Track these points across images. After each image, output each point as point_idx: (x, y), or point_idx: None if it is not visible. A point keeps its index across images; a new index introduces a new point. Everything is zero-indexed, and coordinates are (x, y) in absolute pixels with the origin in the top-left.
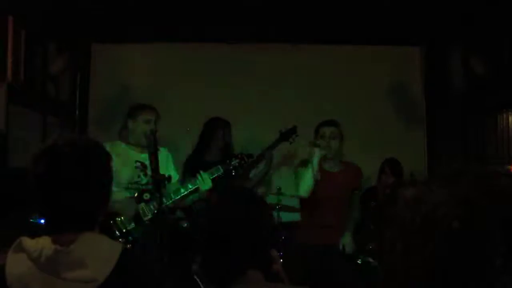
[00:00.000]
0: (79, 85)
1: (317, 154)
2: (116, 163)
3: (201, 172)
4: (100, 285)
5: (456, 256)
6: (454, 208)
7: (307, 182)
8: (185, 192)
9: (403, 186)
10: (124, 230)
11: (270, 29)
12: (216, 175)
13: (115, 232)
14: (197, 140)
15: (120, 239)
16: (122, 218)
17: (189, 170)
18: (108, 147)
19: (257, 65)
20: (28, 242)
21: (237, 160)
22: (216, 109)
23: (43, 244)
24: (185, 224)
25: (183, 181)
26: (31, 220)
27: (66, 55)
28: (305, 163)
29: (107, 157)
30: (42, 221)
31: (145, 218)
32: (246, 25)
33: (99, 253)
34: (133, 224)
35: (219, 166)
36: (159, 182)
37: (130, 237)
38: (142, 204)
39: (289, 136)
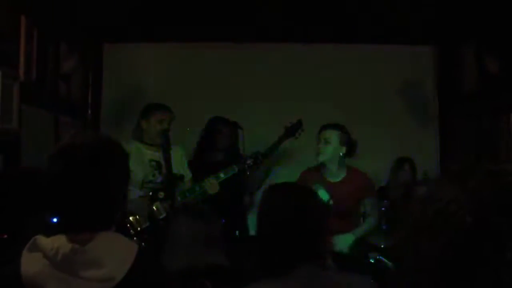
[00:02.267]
0: (91, 85)
1: (324, 197)
2: (130, 162)
3: (210, 177)
4: (117, 284)
5: (468, 251)
6: (466, 204)
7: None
8: (191, 196)
9: (418, 185)
10: (139, 229)
11: (282, 28)
12: (230, 174)
13: (130, 231)
14: (199, 139)
15: (134, 238)
16: (137, 217)
17: (193, 171)
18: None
19: (269, 65)
20: (43, 241)
21: (252, 159)
22: (227, 109)
23: (59, 243)
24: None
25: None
26: (43, 219)
27: (78, 54)
28: (311, 172)
29: (125, 155)
30: (54, 220)
31: (160, 217)
32: (257, 24)
33: (116, 252)
34: (148, 223)
35: (234, 166)
36: (172, 181)
37: (145, 236)
38: (157, 203)
39: (295, 131)
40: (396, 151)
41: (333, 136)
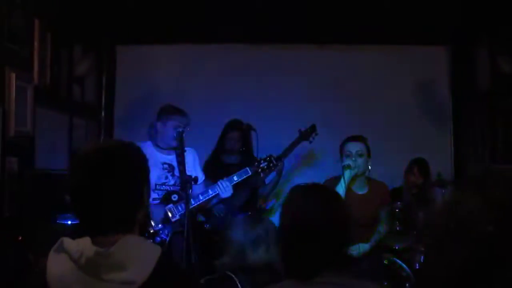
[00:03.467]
0: (104, 87)
1: (347, 175)
2: None
3: (221, 180)
4: (139, 287)
5: (491, 259)
6: (488, 213)
7: None
8: (204, 199)
9: (431, 187)
10: (151, 231)
11: (296, 29)
12: (244, 177)
13: (144, 234)
14: (216, 142)
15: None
16: (150, 219)
17: (208, 173)
18: None
19: (283, 65)
20: (69, 243)
21: (266, 163)
22: (240, 110)
23: (84, 246)
24: (207, 225)
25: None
26: (58, 221)
27: (91, 57)
28: (333, 181)
29: (143, 158)
30: (69, 222)
31: (173, 219)
32: (272, 25)
33: (138, 255)
34: (160, 225)
35: (248, 168)
36: (186, 183)
37: (157, 238)
38: (170, 205)
39: (309, 135)
40: (410, 152)
41: (363, 148)
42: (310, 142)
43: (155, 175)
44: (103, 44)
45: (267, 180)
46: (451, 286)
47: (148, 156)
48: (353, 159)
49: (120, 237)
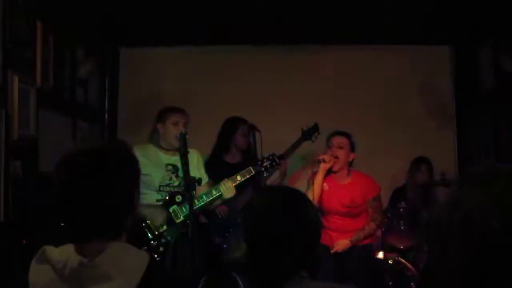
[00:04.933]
0: (107, 89)
1: (321, 169)
2: (147, 166)
3: (225, 180)
4: None
5: (495, 256)
6: (491, 209)
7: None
8: (208, 200)
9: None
10: (156, 233)
11: (298, 30)
12: (247, 177)
13: (148, 235)
14: (217, 140)
15: (152, 242)
16: (154, 221)
17: (210, 172)
18: (139, 150)
19: (285, 66)
20: (51, 252)
21: (269, 161)
22: (244, 111)
23: (68, 255)
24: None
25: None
26: (62, 224)
27: (94, 59)
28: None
29: (133, 160)
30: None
31: (177, 221)
32: (274, 27)
33: (125, 265)
34: (165, 227)
35: (251, 168)
36: (190, 184)
37: (162, 240)
38: (174, 206)
39: (311, 134)
40: (414, 151)
41: (345, 141)
42: (313, 141)
43: (159, 176)
44: (106, 47)
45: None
46: (456, 283)
47: (151, 157)
48: (334, 150)
49: (105, 245)
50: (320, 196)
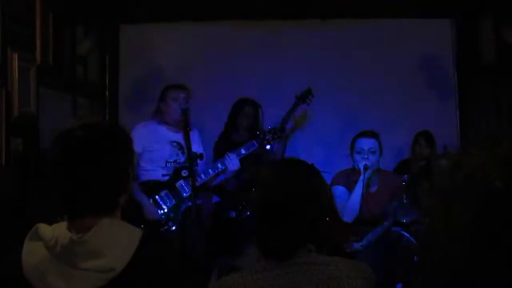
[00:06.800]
0: (108, 66)
1: (367, 175)
2: (154, 142)
3: (228, 153)
4: (119, 274)
5: (500, 216)
6: (495, 169)
7: (353, 207)
8: (214, 173)
9: (437, 158)
10: (166, 209)
11: (298, 4)
12: (251, 150)
13: (163, 209)
14: (226, 121)
15: (163, 216)
16: (163, 194)
17: (218, 152)
18: (145, 126)
19: (285, 40)
20: (44, 229)
21: (271, 134)
22: (245, 88)
23: (59, 232)
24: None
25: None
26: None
27: (94, 36)
28: (346, 174)
29: (126, 139)
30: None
31: (185, 194)
32: (273, 1)
33: (117, 240)
34: (173, 201)
35: (254, 141)
36: (193, 159)
37: (171, 215)
38: (180, 181)
39: (305, 97)
40: (416, 126)
41: (376, 144)
42: (308, 104)
43: (167, 152)
44: (106, 23)
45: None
46: (458, 248)
47: (157, 133)
48: (365, 156)
49: (97, 221)
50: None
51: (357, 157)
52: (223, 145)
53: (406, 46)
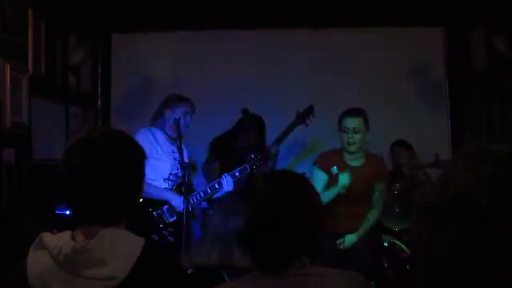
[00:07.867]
0: (100, 76)
1: (346, 181)
2: (159, 152)
3: (226, 175)
4: (121, 283)
5: (486, 234)
6: (482, 187)
7: (325, 197)
8: (211, 193)
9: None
10: (166, 222)
11: (291, 13)
12: (244, 173)
13: (160, 225)
14: (231, 127)
15: (163, 232)
16: (165, 209)
17: (215, 152)
18: (149, 133)
19: (279, 50)
20: (48, 238)
21: (262, 160)
22: (239, 97)
23: (63, 241)
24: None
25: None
26: (57, 211)
27: (87, 45)
28: (332, 155)
29: (141, 152)
30: (67, 212)
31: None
32: (267, 10)
33: (119, 249)
34: (175, 217)
35: (246, 166)
36: (185, 169)
37: (171, 230)
38: (182, 197)
39: (306, 117)
40: (407, 134)
41: (361, 125)
42: (307, 125)
43: (169, 164)
44: (98, 33)
45: None
46: (445, 262)
47: (162, 142)
48: (350, 135)
49: (100, 231)
50: (329, 180)
51: (343, 135)
52: (224, 150)
53: (397, 55)
